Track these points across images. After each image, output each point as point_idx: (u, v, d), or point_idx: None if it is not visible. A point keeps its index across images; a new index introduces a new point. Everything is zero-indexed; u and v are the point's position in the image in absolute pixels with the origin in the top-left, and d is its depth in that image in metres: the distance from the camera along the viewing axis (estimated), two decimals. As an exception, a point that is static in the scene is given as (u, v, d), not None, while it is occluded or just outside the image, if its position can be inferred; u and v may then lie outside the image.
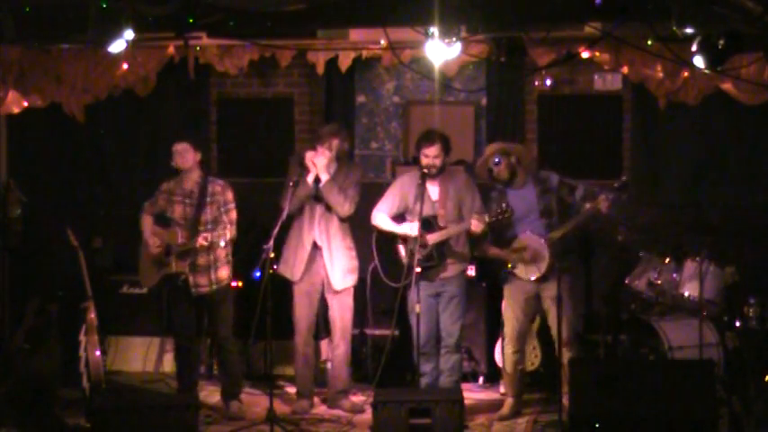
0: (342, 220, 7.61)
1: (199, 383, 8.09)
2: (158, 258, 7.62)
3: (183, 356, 7.83)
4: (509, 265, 7.42)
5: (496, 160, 7.41)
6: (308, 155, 7.50)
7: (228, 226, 7.52)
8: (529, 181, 7.45)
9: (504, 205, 7.20)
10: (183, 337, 7.78)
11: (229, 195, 7.64)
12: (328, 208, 7.57)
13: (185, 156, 7.62)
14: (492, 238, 7.48)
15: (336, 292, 7.65)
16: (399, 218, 7.60)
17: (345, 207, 7.54)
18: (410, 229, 7.41)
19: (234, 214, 7.62)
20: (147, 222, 7.73)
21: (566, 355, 7.23)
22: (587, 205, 7.25)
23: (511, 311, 7.50)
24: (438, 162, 7.46)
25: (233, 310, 7.78)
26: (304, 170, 7.52)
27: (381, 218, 7.60)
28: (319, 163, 7.46)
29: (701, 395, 6.56)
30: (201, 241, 7.41)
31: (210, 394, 8.07)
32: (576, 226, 7.35)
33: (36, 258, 9.16)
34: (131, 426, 6.68)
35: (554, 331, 7.27)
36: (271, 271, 7.14)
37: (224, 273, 7.65)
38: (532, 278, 7.34)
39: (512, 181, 7.45)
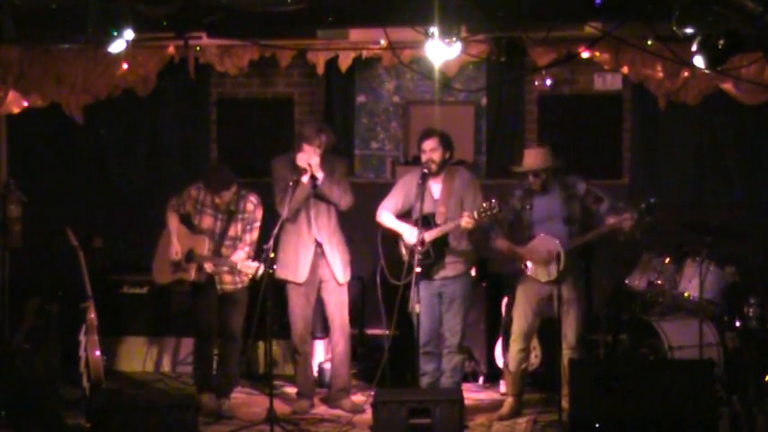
0: (339, 213, 7.63)
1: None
2: (176, 261, 7.60)
3: (205, 352, 7.78)
4: (523, 265, 7.42)
5: (536, 173, 7.38)
6: (301, 157, 7.48)
7: (247, 248, 7.51)
8: (555, 186, 7.43)
9: (492, 202, 7.18)
10: (206, 333, 7.73)
11: (258, 214, 7.63)
12: (324, 205, 7.58)
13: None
14: (509, 235, 7.47)
15: (339, 285, 7.66)
16: (405, 216, 7.61)
17: (347, 199, 7.59)
18: (409, 233, 7.42)
19: (256, 234, 7.59)
20: (174, 222, 7.66)
21: (569, 359, 7.22)
22: (611, 220, 7.22)
23: (521, 311, 7.49)
24: (436, 156, 7.46)
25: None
26: (298, 173, 7.50)
27: (386, 216, 7.62)
28: (314, 163, 7.47)
29: (701, 395, 6.56)
30: (228, 265, 7.43)
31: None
32: (594, 238, 7.34)
33: (36, 258, 9.16)
34: (131, 426, 6.67)
35: (565, 333, 7.29)
36: (271, 271, 7.14)
37: (245, 276, 7.64)
38: (545, 280, 7.34)
39: (542, 191, 7.44)
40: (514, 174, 7.56)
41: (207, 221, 7.62)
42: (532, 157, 7.43)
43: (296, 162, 7.48)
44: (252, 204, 7.63)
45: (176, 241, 7.59)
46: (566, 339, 7.28)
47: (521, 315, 7.50)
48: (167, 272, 7.68)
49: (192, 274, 7.53)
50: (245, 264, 7.35)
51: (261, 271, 7.19)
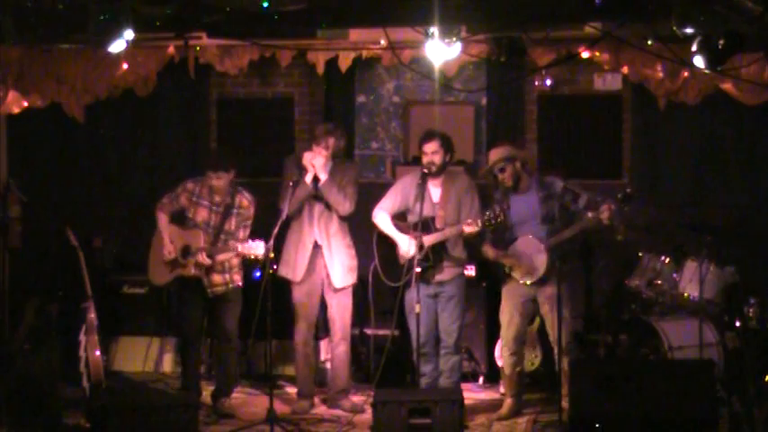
0: (341, 218, 7.62)
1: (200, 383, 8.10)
2: (173, 259, 7.60)
3: (190, 354, 7.81)
4: (506, 268, 7.42)
5: (501, 167, 7.39)
6: (306, 155, 7.51)
7: (238, 244, 7.49)
8: (532, 186, 7.42)
9: (497, 210, 7.18)
10: (191, 336, 7.76)
11: (252, 211, 7.63)
12: (327, 207, 7.58)
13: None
14: (492, 239, 7.47)
15: (336, 291, 7.65)
16: (401, 217, 7.61)
17: (345, 205, 7.55)
18: (407, 244, 7.41)
19: (248, 232, 7.59)
20: (164, 222, 7.65)
21: (564, 360, 7.22)
22: (589, 214, 7.21)
23: (508, 313, 7.48)
24: (437, 159, 7.45)
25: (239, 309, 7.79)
26: (302, 171, 7.52)
27: (382, 217, 7.60)
28: (317, 163, 7.47)
29: (701, 395, 6.56)
30: (228, 250, 7.44)
31: (211, 394, 8.06)
32: (575, 234, 7.33)
33: (36, 258, 9.16)
34: (131, 426, 6.68)
35: (551, 334, 7.28)
36: (271, 271, 7.14)
37: (237, 276, 7.67)
38: (528, 282, 7.34)
39: (516, 187, 7.43)
40: (485, 176, 7.58)
41: (202, 214, 7.60)
42: (493, 154, 7.48)
43: (301, 161, 7.51)
44: (246, 200, 7.64)
45: (168, 241, 7.58)
46: (555, 340, 7.25)
47: (508, 319, 7.47)
48: (165, 272, 7.67)
49: (191, 270, 7.52)
50: (246, 246, 7.25)
51: (262, 252, 7.09)
